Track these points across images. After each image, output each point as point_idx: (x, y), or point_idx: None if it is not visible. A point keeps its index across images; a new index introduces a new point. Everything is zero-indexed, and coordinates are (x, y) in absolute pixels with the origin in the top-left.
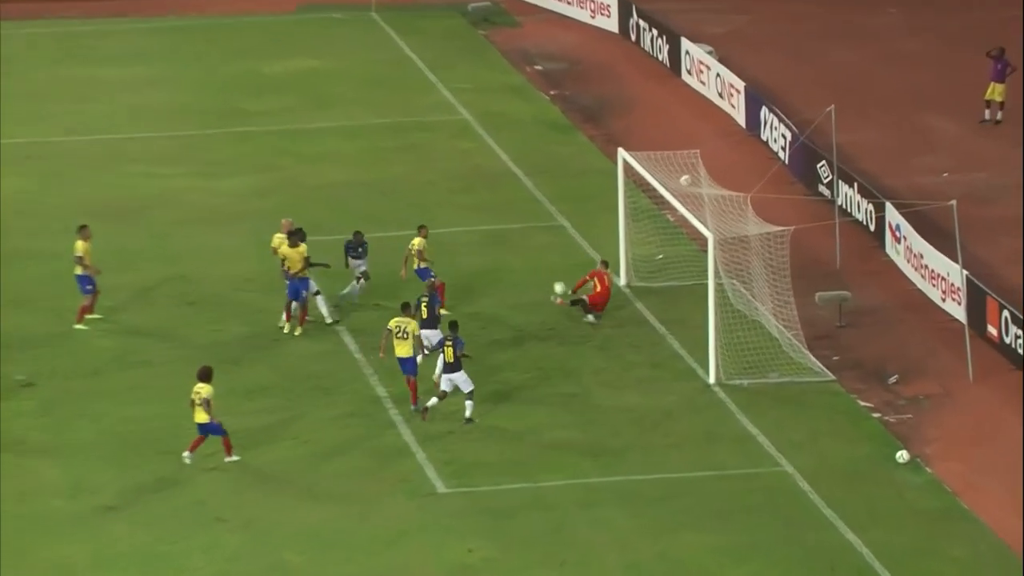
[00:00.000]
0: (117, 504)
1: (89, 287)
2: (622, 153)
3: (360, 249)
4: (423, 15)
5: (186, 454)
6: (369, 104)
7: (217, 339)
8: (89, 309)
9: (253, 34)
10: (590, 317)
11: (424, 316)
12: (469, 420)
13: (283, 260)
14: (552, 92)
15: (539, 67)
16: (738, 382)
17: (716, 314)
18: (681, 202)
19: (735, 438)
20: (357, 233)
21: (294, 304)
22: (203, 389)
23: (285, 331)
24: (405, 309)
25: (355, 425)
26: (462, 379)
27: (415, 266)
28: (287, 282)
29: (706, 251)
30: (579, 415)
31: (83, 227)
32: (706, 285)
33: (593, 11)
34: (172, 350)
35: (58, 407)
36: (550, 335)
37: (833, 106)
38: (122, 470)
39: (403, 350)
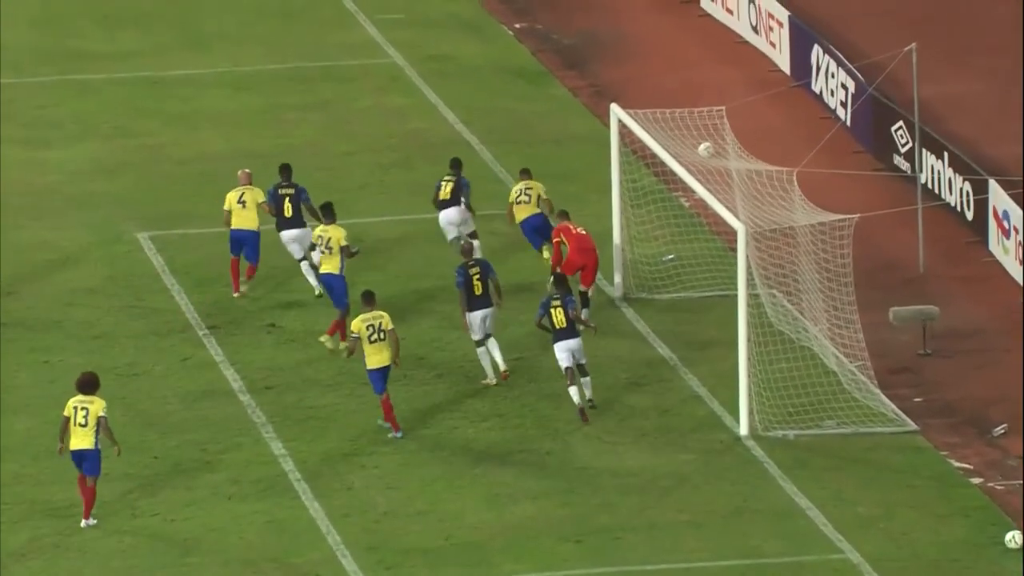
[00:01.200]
0: None
1: None
2: (616, 111)
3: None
4: None
5: (84, 522)
6: (262, 43)
7: (47, 375)
8: None
9: None
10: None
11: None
12: (592, 403)
13: (324, 241)
14: (518, 25)
15: None
16: (781, 434)
17: (749, 338)
18: (700, 180)
19: (776, 513)
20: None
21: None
22: (94, 403)
23: (330, 347)
24: (368, 300)
25: (244, 496)
26: (580, 347)
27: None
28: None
29: (735, 249)
30: (557, 481)
31: None
32: (735, 297)
33: None
34: None
35: None
36: (516, 366)
37: (914, 45)
38: None
39: (379, 358)
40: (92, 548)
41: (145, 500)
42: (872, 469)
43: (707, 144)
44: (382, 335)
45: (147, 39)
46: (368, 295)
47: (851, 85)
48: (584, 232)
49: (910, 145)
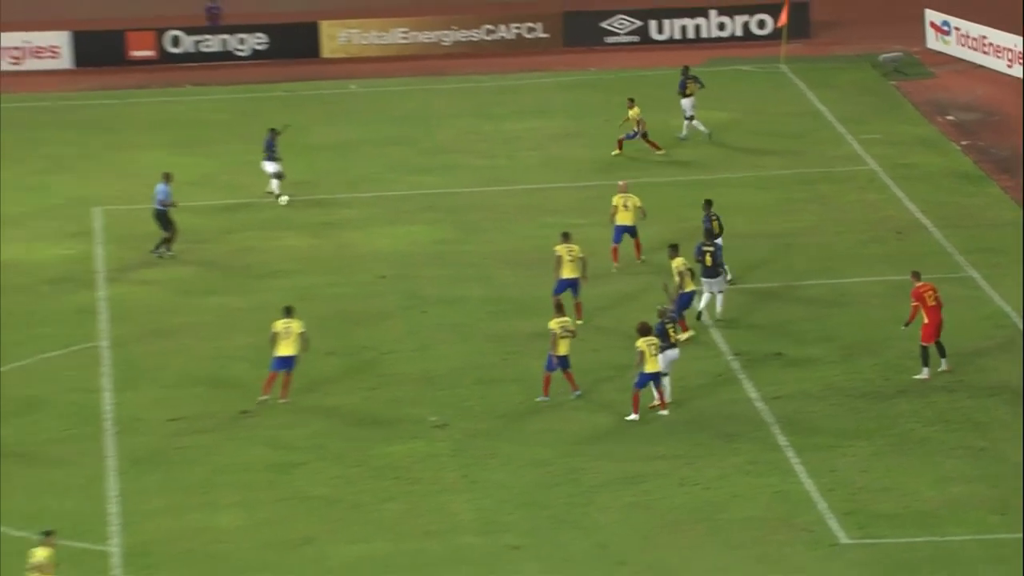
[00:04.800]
0: (524, 543)
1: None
2: None
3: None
4: (832, 66)
5: (634, 416)
6: (778, 155)
7: (614, 397)
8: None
9: (662, 88)
10: (924, 372)
11: (708, 263)
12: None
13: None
14: (964, 142)
15: (952, 118)
16: None
17: None
18: None
19: None
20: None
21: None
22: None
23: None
24: (558, 309)
25: (755, 472)
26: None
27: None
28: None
29: None
30: (987, 469)
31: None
32: None
33: (1011, 60)
34: (580, 399)
35: (468, 447)
36: (958, 386)
37: None
38: (531, 510)
39: (564, 348)
40: (654, 508)
41: (691, 474)
42: None
43: None
44: (571, 333)
45: (693, 153)
46: (558, 305)
47: None
48: (937, 303)
49: None
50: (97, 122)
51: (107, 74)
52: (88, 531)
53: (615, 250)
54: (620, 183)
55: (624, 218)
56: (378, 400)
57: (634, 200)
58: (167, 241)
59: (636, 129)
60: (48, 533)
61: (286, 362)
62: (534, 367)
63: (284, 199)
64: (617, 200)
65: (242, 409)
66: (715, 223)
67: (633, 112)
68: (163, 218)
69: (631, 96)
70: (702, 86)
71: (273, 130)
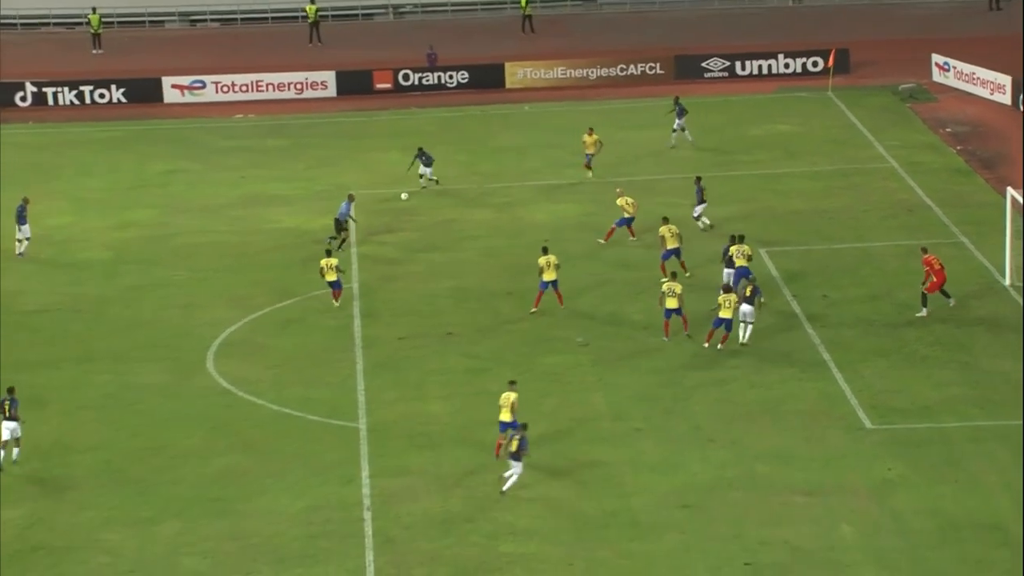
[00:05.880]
0: (643, 427)
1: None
2: (1010, 191)
3: None
4: (865, 94)
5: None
6: (825, 156)
7: (707, 329)
8: None
9: (743, 108)
10: (924, 311)
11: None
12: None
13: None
14: (958, 148)
15: (949, 130)
16: None
17: None
18: None
19: None
20: None
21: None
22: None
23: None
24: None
25: (805, 378)
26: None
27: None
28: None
29: None
30: (970, 377)
31: None
32: None
33: (992, 89)
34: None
35: (604, 360)
36: (949, 318)
37: None
38: (648, 404)
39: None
40: (734, 401)
41: (760, 378)
42: None
43: None
44: (675, 293)
45: (765, 154)
46: (666, 269)
47: None
48: (941, 267)
49: None
50: (350, 132)
51: (359, 100)
52: (343, 413)
53: (612, 231)
54: (617, 189)
55: (627, 212)
56: (540, 326)
57: (631, 199)
58: (341, 241)
59: (591, 152)
60: (512, 382)
61: (547, 284)
62: (650, 304)
63: (405, 195)
64: (620, 202)
65: (447, 331)
66: (703, 193)
67: (591, 139)
68: (343, 225)
69: (591, 126)
70: (685, 111)
71: (421, 148)
